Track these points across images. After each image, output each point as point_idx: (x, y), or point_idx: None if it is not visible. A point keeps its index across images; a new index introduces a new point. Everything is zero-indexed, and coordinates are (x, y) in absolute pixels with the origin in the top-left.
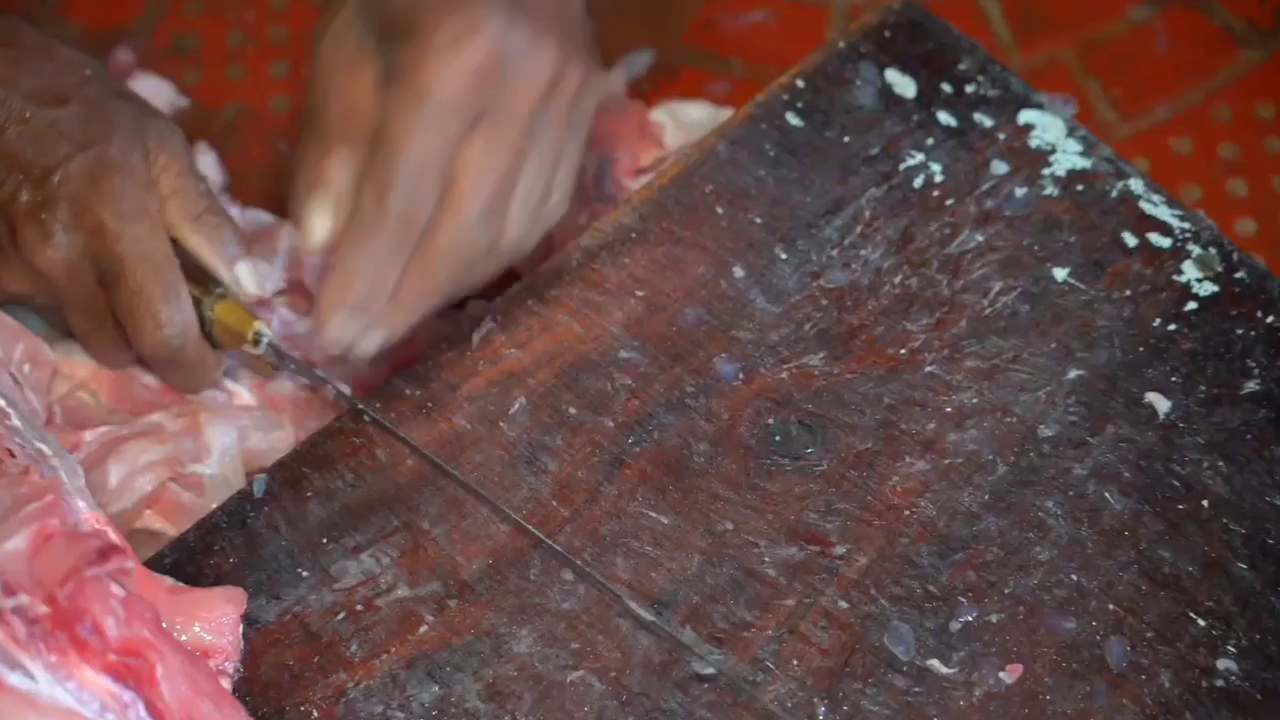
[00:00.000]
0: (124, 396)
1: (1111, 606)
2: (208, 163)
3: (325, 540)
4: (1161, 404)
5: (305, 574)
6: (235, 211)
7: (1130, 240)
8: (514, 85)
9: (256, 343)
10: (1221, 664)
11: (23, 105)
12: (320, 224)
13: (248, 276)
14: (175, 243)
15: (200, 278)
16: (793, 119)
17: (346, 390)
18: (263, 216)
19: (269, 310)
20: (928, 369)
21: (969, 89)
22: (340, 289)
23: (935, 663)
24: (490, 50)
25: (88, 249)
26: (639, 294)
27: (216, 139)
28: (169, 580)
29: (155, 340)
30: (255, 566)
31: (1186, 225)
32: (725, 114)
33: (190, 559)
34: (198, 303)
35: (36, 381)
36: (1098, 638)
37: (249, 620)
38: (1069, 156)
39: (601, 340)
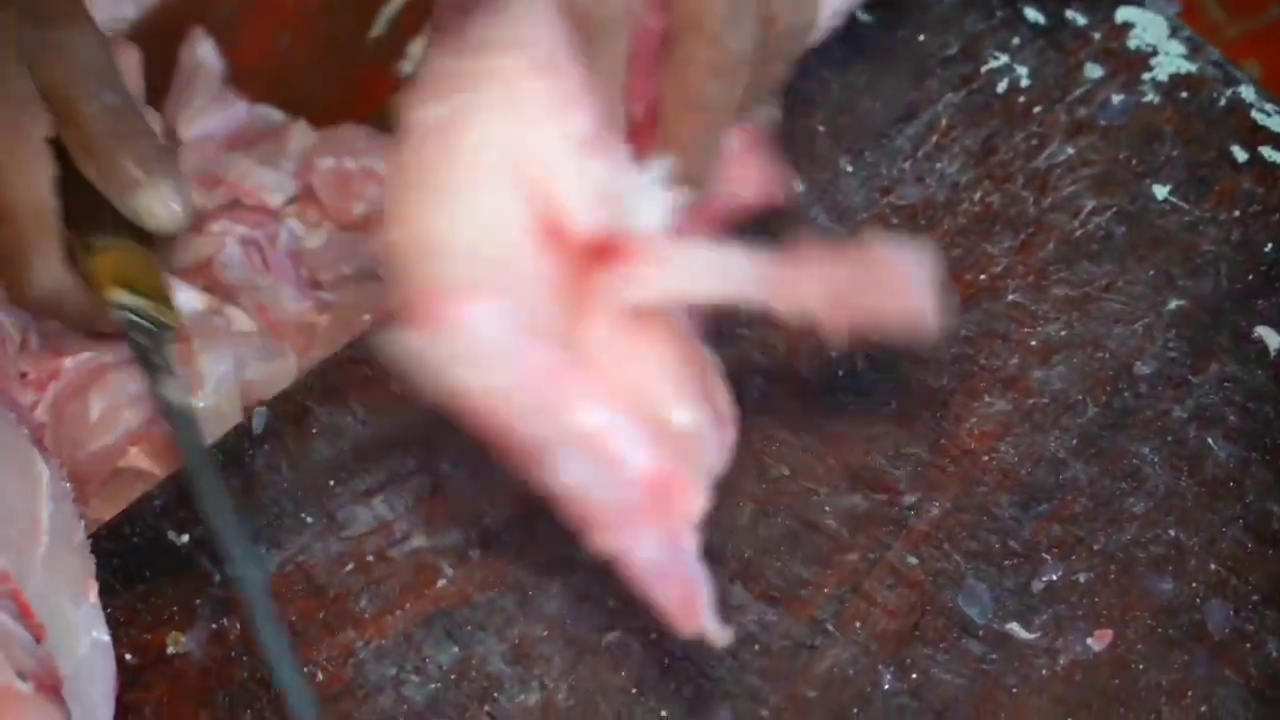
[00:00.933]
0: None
1: (1213, 566)
2: (206, 52)
3: (332, 483)
4: (1272, 339)
5: (310, 520)
6: (241, 107)
7: (1240, 154)
8: None
9: (113, 308)
10: None
11: None
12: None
13: (148, 203)
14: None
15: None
16: (861, 14)
17: (177, 401)
18: (271, 114)
19: (277, 221)
20: (1010, 297)
21: None
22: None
23: (1015, 626)
24: None
25: None
26: None
27: (215, 29)
28: None
29: (18, 297)
30: (254, 511)
31: None
32: None
33: (181, 502)
34: (85, 244)
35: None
36: (1197, 600)
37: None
38: (1172, 59)
39: None
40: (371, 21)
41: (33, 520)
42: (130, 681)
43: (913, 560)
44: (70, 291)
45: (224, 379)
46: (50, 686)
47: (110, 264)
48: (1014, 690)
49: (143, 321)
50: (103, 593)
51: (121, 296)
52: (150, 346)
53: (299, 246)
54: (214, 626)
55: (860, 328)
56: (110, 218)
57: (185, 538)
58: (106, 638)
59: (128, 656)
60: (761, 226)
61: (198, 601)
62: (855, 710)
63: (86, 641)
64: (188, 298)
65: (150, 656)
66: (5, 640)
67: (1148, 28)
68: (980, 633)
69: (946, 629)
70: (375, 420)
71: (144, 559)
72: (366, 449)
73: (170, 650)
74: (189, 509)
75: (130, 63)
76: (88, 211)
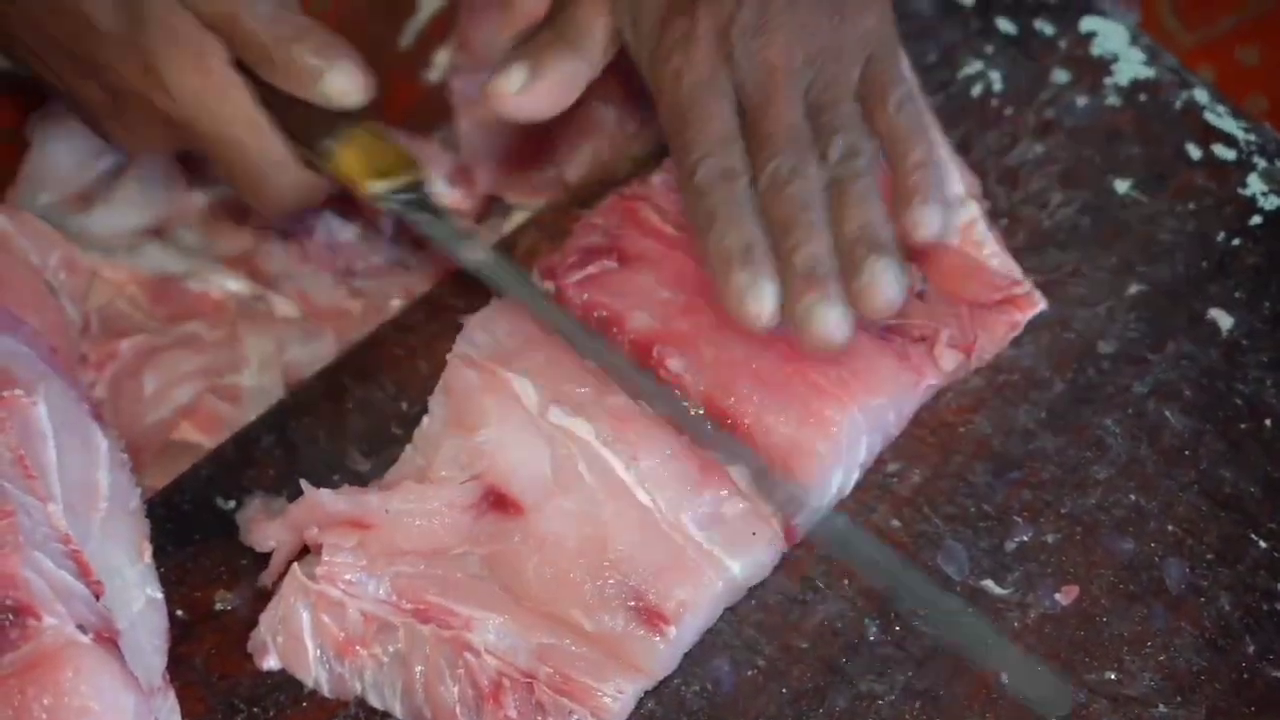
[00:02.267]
0: (164, 303)
1: (1171, 527)
2: None
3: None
4: (1224, 320)
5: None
6: None
7: (1194, 152)
8: (765, 48)
9: (375, 203)
10: None
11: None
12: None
13: (334, 87)
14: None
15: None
16: None
17: (481, 255)
18: None
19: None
20: None
21: None
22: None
23: (989, 583)
24: (715, 27)
25: (179, 137)
26: None
27: None
28: None
29: (272, 209)
30: (295, 479)
31: (1252, 137)
32: None
33: (229, 471)
34: (316, 154)
35: (73, 289)
36: (1156, 559)
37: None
38: (1132, 65)
39: None
40: (400, 33)
41: (92, 488)
42: (181, 635)
43: (896, 523)
44: (315, 185)
45: (267, 359)
46: (108, 639)
47: (349, 160)
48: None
49: (409, 197)
50: (156, 554)
51: (378, 186)
52: (429, 218)
53: (334, 239)
54: (258, 585)
55: None
56: (318, 124)
57: (231, 504)
58: (159, 595)
59: (179, 612)
60: None
61: (243, 562)
62: (844, 660)
63: (141, 598)
64: (234, 285)
65: (199, 612)
66: (67, 596)
67: (1110, 37)
68: (958, 589)
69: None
70: (406, 396)
71: (194, 523)
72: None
73: (218, 606)
74: (235, 478)
75: None
76: (299, 129)
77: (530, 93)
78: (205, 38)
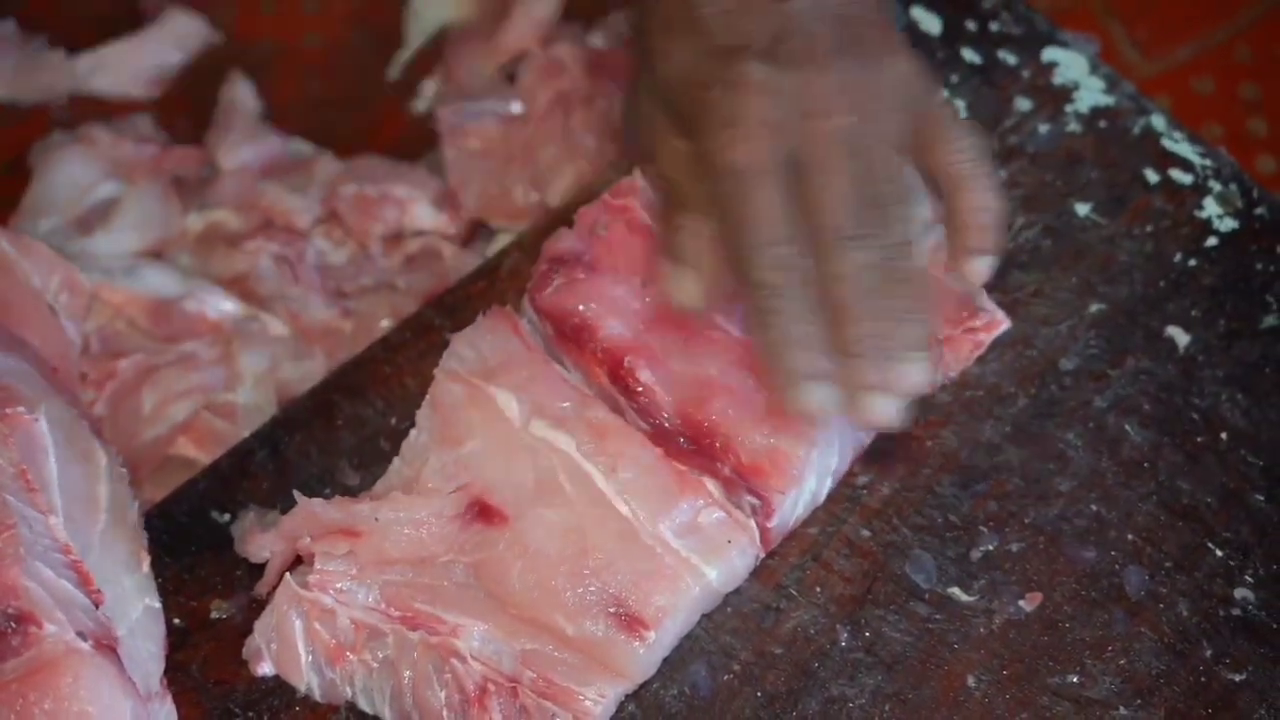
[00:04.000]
0: (161, 324)
1: (1130, 536)
2: (244, 92)
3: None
4: (1181, 338)
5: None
6: (274, 140)
7: (1152, 176)
8: (808, 117)
9: None
10: (1239, 593)
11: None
12: (690, 289)
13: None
14: None
15: None
16: None
17: None
18: (300, 146)
19: (305, 240)
20: None
21: (993, 26)
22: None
23: (956, 590)
24: (761, 106)
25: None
26: None
27: (251, 72)
28: None
29: None
30: (288, 492)
31: (1207, 162)
32: None
33: (224, 485)
34: None
35: (73, 310)
36: (1116, 567)
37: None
38: (1092, 93)
39: None
40: (388, 65)
41: (93, 500)
42: (178, 642)
43: (866, 532)
44: None
45: (261, 377)
46: (107, 646)
47: None
48: (955, 646)
49: None
50: (154, 564)
51: None
52: None
53: (325, 261)
54: (252, 594)
55: None
56: None
57: (226, 516)
58: (157, 604)
59: (176, 620)
60: None
61: (238, 572)
62: (816, 664)
63: (139, 607)
64: (229, 306)
65: (196, 621)
66: (67, 604)
67: (1071, 66)
68: (926, 596)
69: (896, 593)
70: (394, 412)
71: (190, 535)
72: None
73: (214, 615)
74: (230, 492)
75: (245, 89)
76: None
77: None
78: None
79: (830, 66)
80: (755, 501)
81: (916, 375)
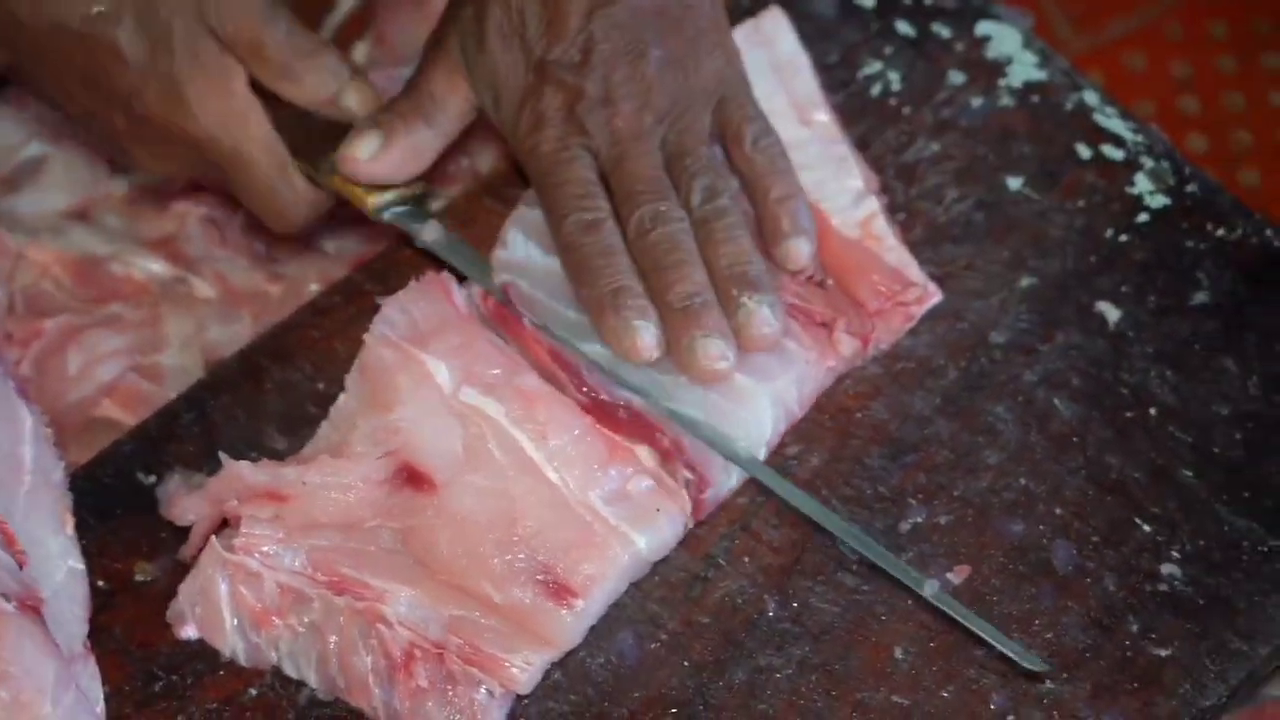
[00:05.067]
0: (87, 284)
1: (1059, 510)
2: None
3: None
4: (1111, 313)
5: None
6: None
7: (1084, 152)
8: (609, 116)
9: (377, 216)
10: (1165, 569)
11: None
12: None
13: (351, 101)
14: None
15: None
16: None
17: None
18: None
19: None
20: None
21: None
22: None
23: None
24: (562, 103)
25: (198, 160)
26: None
27: None
28: None
29: (285, 225)
30: (214, 455)
31: (1139, 138)
32: None
33: (150, 447)
34: (319, 170)
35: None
36: (1045, 541)
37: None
38: (1025, 68)
39: None
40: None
41: (17, 461)
42: (102, 605)
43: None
44: (321, 201)
45: (187, 340)
46: (31, 607)
47: (345, 185)
48: (883, 617)
49: (408, 209)
50: (78, 526)
51: (374, 201)
52: (429, 227)
53: (253, 224)
54: (177, 557)
55: None
56: (319, 142)
57: (152, 479)
58: (81, 566)
59: (100, 583)
60: None
61: (163, 535)
62: (743, 635)
63: (64, 568)
64: (155, 268)
65: (120, 583)
66: None
67: (1004, 40)
68: (854, 567)
69: (824, 564)
70: (322, 378)
71: (115, 497)
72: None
73: (138, 578)
74: (156, 454)
75: None
76: (301, 147)
77: (380, 160)
78: (226, 61)
79: (633, 69)
80: (690, 476)
81: (749, 326)
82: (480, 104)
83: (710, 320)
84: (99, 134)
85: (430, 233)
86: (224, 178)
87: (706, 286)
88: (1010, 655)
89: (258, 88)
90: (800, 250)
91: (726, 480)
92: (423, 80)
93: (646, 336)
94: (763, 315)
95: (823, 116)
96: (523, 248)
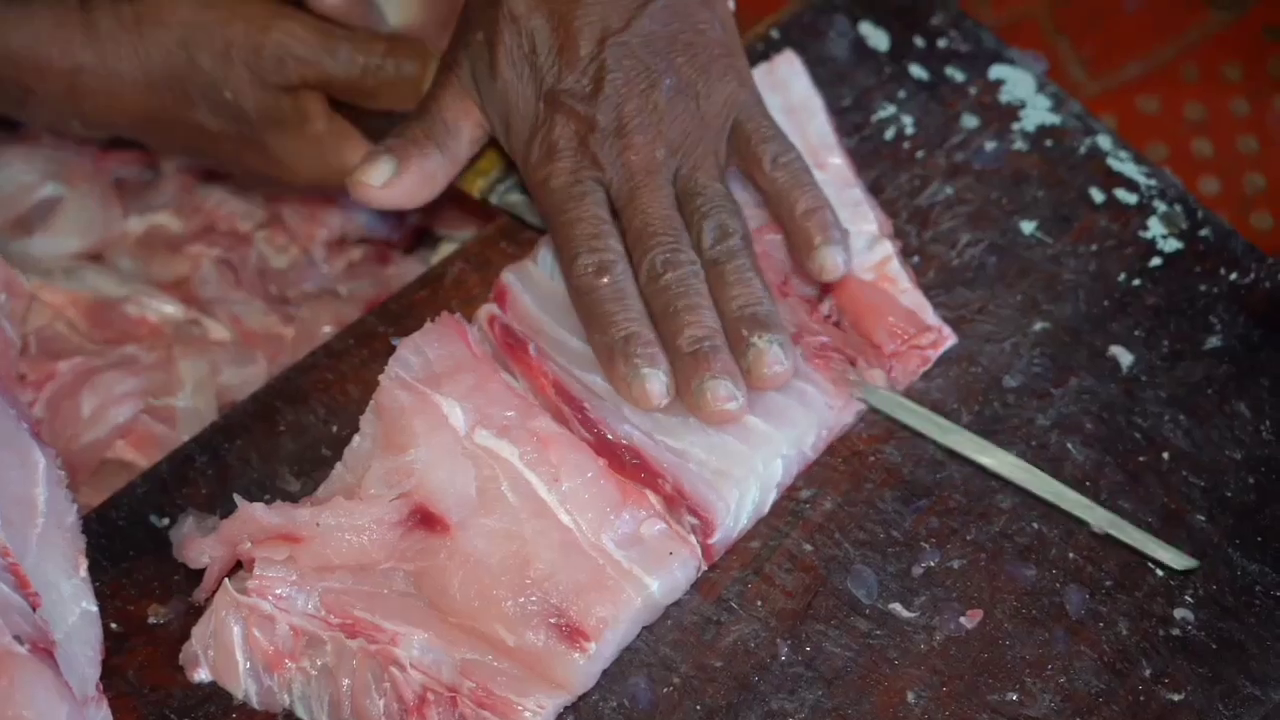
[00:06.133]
0: (102, 326)
1: (1071, 555)
2: None
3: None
4: (1124, 357)
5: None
6: None
7: (1097, 196)
8: (622, 149)
9: (485, 203)
10: (1178, 613)
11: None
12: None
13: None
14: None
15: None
16: None
17: None
18: None
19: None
20: None
21: (941, 43)
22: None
23: (897, 606)
24: (575, 136)
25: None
26: None
27: None
28: None
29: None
30: (227, 498)
31: (1153, 182)
32: None
33: (163, 489)
34: None
35: (13, 311)
36: (1057, 585)
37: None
38: (1038, 112)
39: None
40: None
41: (30, 503)
42: (115, 647)
43: (808, 547)
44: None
45: (201, 382)
46: (44, 649)
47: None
48: (896, 662)
49: (506, 184)
50: (91, 569)
51: (482, 183)
52: (522, 199)
53: (267, 266)
54: (190, 599)
55: None
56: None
57: (165, 521)
58: (94, 608)
59: (113, 625)
60: None
61: (176, 577)
62: (755, 678)
63: (76, 611)
64: (170, 309)
65: (133, 625)
66: (4, 607)
67: (1018, 84)
68: (867, 611)
69: (837, 608)
70: (335, 420)
71: (128, 539)
72: (328, 445)
73: (150, 620)
74: (169, 497)
75: None
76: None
77: (393, 187)
78: (301, 106)
79: (644, 101)
80: (695, 521)
81: (759, 365)
82: (491, 130)
83: (719, 363)
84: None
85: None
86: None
87: (717, 330)
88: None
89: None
90: (835, 259)
91: (734, 525)
92: (434, 105)
93: (655, 385)
94: (773, 354)
95: (837, 160)
96: (549, 269)
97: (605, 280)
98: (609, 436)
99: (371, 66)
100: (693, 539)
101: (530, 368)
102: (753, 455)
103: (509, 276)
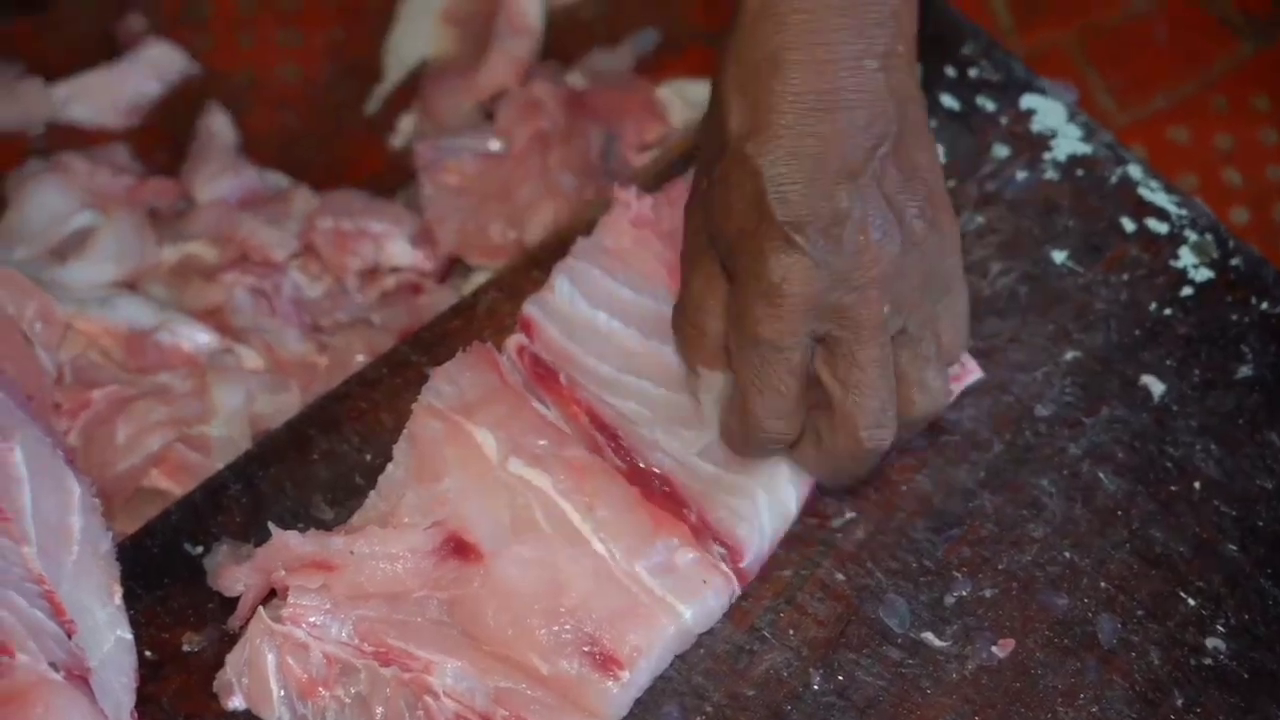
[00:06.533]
0: (135, 355)
1: (1103, 584)
2: (221, 124)
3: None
4: (1156, 386)
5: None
6: (251, 173)
7: (1128, 225)
8: (850, 304)
9: None
10: (1210, 643)
11: None
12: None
13: None
14: None
15: None
16: None
17: None
18: (277, 179)
19: (281, 273)
20: None
21: (972, 73)
22: None
23: (929, 635)
24: (806, 285)
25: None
26: None
27: (228, 103)
28: None
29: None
30: (261, 526)
31: (1184, 212)
32: None
33: (198, 518)
34: None
35: (48, 339)
36: (1089, 614)
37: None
38: (1069, 141)
39: None
40: (366, 99)
41: (66, 531)
42: (150, 675)
43: (840, 576)
44: None
45: (235, 410)
46: (79, 676)
47: None
48: (928, 691)
49: None
50: (126, 596)
51: None
52: None
53: (301, 295)
54: (224, 627)
55: None
56: None
57: (199, 549)
58: (129, 635)
59: (147, 653)
60: None
61: (210, 605)
62: (788, 708)
63: (111, 638)
64: (204, 338)
65: (167, 653)
66: (39, 634)
67: (1048, 114)
68: (899, 640)
69: (869, 637)
70: (369, 448)
71: (163, 567)
72: (362, 473)
73: (185, 648)
74: (203, 525)
75: (221, 122)
76: None
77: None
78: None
79: (880, 252)
80: (723, 550)
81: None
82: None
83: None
84: None
85: None
86: None
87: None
88: None
89: None
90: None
91: (761, 544)
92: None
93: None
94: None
95: None
96: (568, 296)
97: (778, 423)
98: (641, 464)
99: None
100: (724, 566)
101: (562, 396)
102: (773, 471)
103: (531, 309)
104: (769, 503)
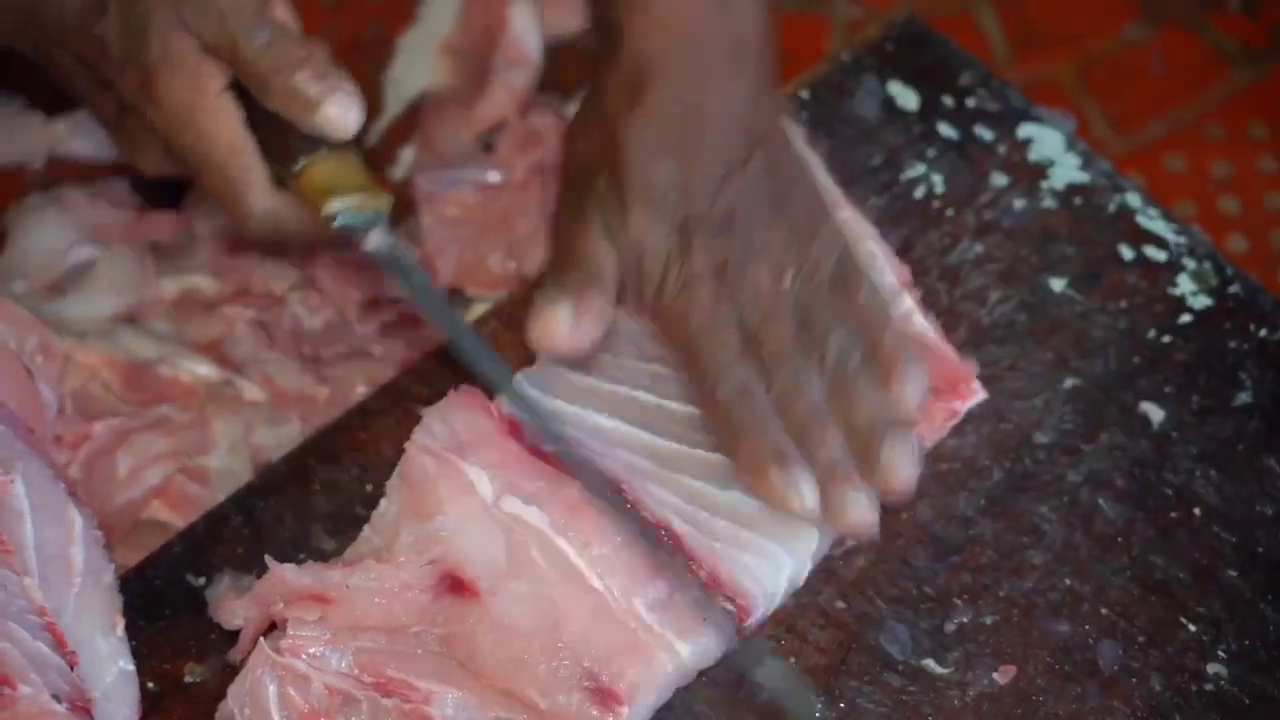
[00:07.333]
0: (135, 387)
1: (1104, 610)
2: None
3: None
4: (1155, 413)
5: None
6: None
7: (1127, 253)
8: (753, 284)
9: (330, 221)
10: (1211, 668)
11: (73, 20)
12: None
13: (333, 115)
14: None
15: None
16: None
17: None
18: None
19: (282, 305)
20: None
21: (970, 102)
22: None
23: (930, 662)
24: (708, 274)
25: (171, 157)
26: None
27: None
28: None
29: (245, 231)
30: (263, 558)
31: (1182, 239)
32: None
33: (199, 549)
34: (288, 171)
35: (49, 372)
36: (1090, 640)
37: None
38: (1067, 170)
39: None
40: (366, 132)
41: (67, 563)
42: (152, 706)
43: (840, 604)
44: (285, 210)
45: (236, 442)
46: (81, 708)
47: (313, 178)
48: (930, 718)
49: (362, 219)
50: (128, 628)
51: (332, 205)
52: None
53: (301, 327)
54: (226, 659)
55: None
56: (297, 144)
57: (201, 580)
58: (131, 667)
59: (149, 684)
60: None
61: (212, 636)
62: None
63: (114, 670)
64: (204, 370)
65: (169, 684)
66: (42, 666)
67: (1046, 142)
68: (900, 668)
69: (870, 664)
70: (369, 479)
71: (164, 599)
72: (362, 504)
73: (187, 679)
74: (205, 556)
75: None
76: (278, 147)
77: (577, 331)
78: (203, 60)
79: (769, 232)
80: (730, 607)
81: (890, 473)
82: (624, 267)
83: (855, 477)
84: (99, 120)
85: (374, 240)
86: (193, 176)
87: (844, 445)
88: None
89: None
90: (913, 392)
91: (769, 605)
92: (581, 253)
93: (809, 495)
94: (903, 460)
95: (845, 213)
96: (542, 387)
97: (751, 401)
98: (644, 515)
99: (279, 45)
100: (728, 606)
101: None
102: (787, 534)
103: (509, 409)
104: (785, 561)
